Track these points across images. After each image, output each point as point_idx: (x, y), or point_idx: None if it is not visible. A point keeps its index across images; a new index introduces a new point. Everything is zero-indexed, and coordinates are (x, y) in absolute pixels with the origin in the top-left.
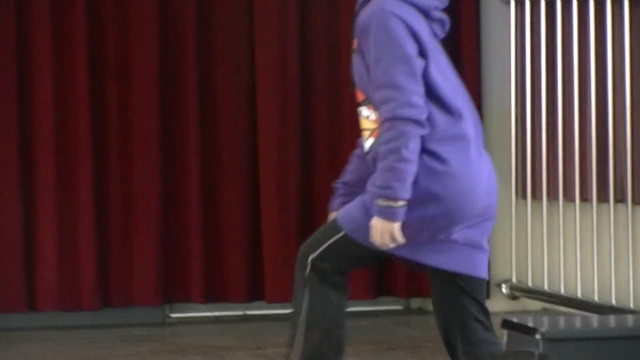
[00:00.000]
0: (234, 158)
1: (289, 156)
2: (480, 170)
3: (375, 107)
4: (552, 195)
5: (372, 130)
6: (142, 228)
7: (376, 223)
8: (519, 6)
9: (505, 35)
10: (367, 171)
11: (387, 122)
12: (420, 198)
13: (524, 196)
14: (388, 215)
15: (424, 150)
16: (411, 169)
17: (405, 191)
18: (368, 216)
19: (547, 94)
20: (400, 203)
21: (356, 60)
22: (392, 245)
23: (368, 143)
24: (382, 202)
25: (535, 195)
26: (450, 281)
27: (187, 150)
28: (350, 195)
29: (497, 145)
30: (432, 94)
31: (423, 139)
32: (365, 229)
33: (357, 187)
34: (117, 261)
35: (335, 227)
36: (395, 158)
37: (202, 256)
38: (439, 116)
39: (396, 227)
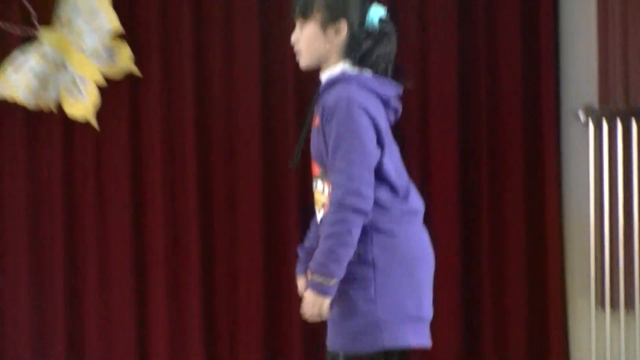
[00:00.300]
0: None
1: None
2: (426, 239)
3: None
4: (629, 305)
5: (324, 204)
6: (247, 304)
7: (309, 295)
8: (597, 126)
9: (584, 152)
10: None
11: (334, 206)
12: (385, 271)
13: (603, 305)
14: (322, 291)
15: (379, 230)
16: (350, 253)
17: (341, 271)
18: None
19: (624, 208)
20: (334, 282)
21: (317, 137)
22: (319, 319)
23: (320, 215)
24: (317, 279)
25: (613, 305)
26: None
27: (288, 230)
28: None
29: (577, 256)
30: (384, 179)
31: (377, 219)
32: (354, 337)
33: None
34: (223, 345)
35: (333, 357)
36: (337, 242)
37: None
38: (389, 198)
39: (327, 302)
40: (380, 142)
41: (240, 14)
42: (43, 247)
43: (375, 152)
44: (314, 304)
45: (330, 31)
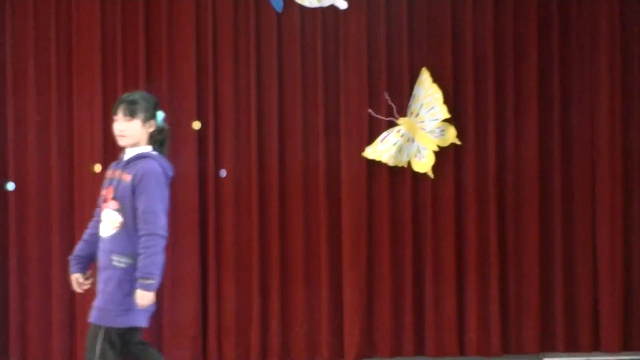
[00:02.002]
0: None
1: None
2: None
3: (131, 218)
4: None
5: (115, 227)
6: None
7: (141, 292)
8: None
9: None
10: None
11: (151, 234)
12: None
13: None
14: (148, 288)
15: None
16: (162, 261)
17: (159, 275)
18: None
19: None
20: (154, 281)
21: (125, 188)
22: (149, 305)
23: (108, 232)
24: (145, 281)
25: None
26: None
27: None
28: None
29: None
30: None
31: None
32: (114, 316)
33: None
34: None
35: (96, 330)
36: (156, 256)
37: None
38: None
39: (152, 294)
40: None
41: None
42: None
43: (168, 201)
44: (144, 297)
45: (146, 126)
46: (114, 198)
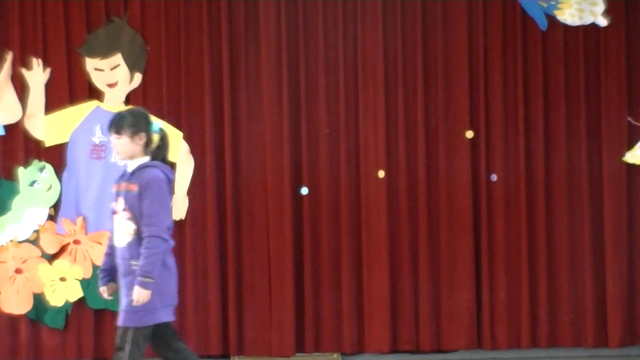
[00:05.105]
0: None
1: None
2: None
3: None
4: None
5: (130, 234)
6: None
7: (140, 291)
8: None
9: None
10: None
11: (151, 237)
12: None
13: None
14: (147, 286)
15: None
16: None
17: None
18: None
19: None
20: (153, 280)
21: (134, 197)
22: (144, 302)
23: (125, 242)
24: (145, 279)
25: None
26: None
27: None
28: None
29: None
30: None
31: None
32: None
33: None
34: None
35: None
36: (155, 258)
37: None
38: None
39: (149, 293)
40: None
41: None
42: None
43: (170, 205)
44: (142, 295)
45: (136, 139)
46: (125, 209)
